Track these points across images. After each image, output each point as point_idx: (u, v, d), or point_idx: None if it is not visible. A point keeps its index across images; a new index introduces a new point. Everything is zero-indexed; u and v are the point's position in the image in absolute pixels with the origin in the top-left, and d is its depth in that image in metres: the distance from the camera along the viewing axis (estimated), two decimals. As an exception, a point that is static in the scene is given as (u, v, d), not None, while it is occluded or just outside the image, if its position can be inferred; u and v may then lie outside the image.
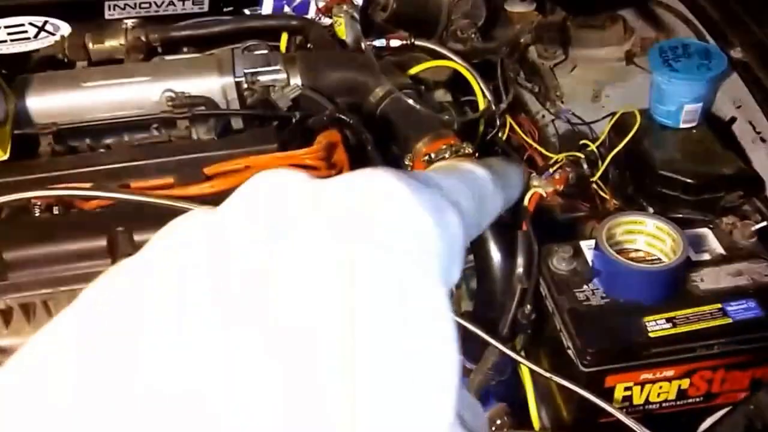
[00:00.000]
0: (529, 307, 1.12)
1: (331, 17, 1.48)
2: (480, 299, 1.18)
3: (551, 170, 1.29)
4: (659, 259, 1.11)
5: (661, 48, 1.43)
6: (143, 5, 1.43)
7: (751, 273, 1.11)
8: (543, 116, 1.67)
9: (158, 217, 1.01)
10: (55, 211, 1.06)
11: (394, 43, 1.45)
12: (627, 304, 1.06)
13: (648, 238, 1.13)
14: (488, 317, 1.11)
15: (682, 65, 1.38)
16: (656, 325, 1.03)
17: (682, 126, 1.40)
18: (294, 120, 1.24)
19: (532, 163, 1.48)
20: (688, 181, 1.29)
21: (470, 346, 1.13)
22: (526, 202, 1.19)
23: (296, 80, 1.30)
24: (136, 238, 1.02)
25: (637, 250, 1.14)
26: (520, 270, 1.11)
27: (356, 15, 1.46)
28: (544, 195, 1.21)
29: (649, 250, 1.13)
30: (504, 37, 1.69)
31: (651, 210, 1.31)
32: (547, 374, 1.03)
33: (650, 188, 1.33)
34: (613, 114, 1.45)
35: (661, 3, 1.72)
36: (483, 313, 1.14)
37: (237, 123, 1.28)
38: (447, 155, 1.18)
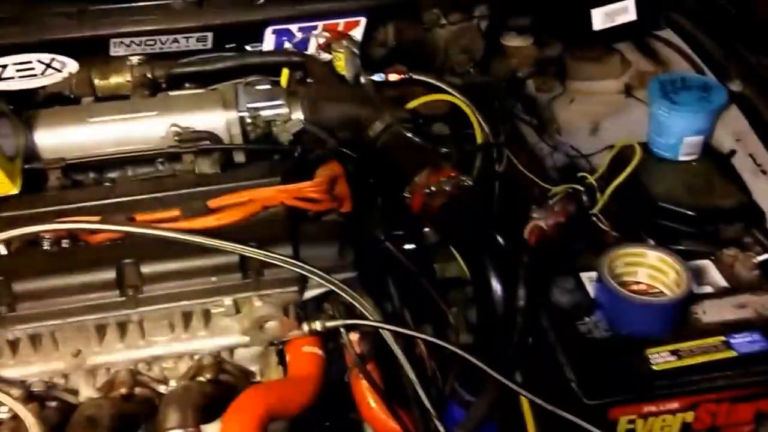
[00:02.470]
0: (530, 339, 1.11)
1: (330, 53, 1.50)
2: (480, 331, 1.18)
3: (551, 202, 1.30)
4: (661, 291, 1.11)
5: (660, 81, 1.45)
6: (148, 42, 1.44)
7: (754, 305, 1.11)
8: (541, 149, 1.68)
9: (165, 249, 1.03)
10: (64, 243, 1.07)
11: (393, 77, 1.46)
12: (630, 336, 1.07)
13: (650, 270, 1.13)
14: (489, 349, 1.10)
15: (682, 98, 1.40)
16: (660, 358, 1.04)
17: (681, 158, 1.41)
18: (296, 154, 1.25)
19: (530, 195, 1.49)
20: (689, 213, 1.30)
21: (471, 379, 1.13)
22: (526, 234, 1.19)
23: (297, 114, 1.31)
24: (143, 270, 1.03)
25: (638, 282, 1.14)
26: (521, 302, 1.11)
27: (356, 50, 1.47)
28: (545, 227, 1.21)
29: (650, 282, 1.13)
30: (501, 70, 1.70)
31: (651, 242, 1.31)
32: (550, 407, 1.02)
33: (650, 220, 1.34)
34: (611, 146, 1.46)
35: (658, 36, 1.75)
36: (484, 345, 1.14)
37: (239, 156, 1.28)
38: (447, 187, 1.18)
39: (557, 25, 1.76)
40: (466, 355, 1.04)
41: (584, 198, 1.39)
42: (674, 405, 1.04)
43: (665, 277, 1.11)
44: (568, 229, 1.33)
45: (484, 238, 1.15)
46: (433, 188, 1.19)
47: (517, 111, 1.68)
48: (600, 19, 1.69)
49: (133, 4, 1.45)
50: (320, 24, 1.53)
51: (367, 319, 1.06)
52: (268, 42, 1.54)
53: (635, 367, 1.04)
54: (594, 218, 1.39)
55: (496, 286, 1.11)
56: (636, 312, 1.06)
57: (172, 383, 1.07)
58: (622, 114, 1.69)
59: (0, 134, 1.13)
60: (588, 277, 1.18)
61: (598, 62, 1.76)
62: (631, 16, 1.68)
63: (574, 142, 1.64)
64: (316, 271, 1.03)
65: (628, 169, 1.36)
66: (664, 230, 1.32)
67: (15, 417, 0.99)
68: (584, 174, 1.44)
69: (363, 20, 1.55)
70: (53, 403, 1.04)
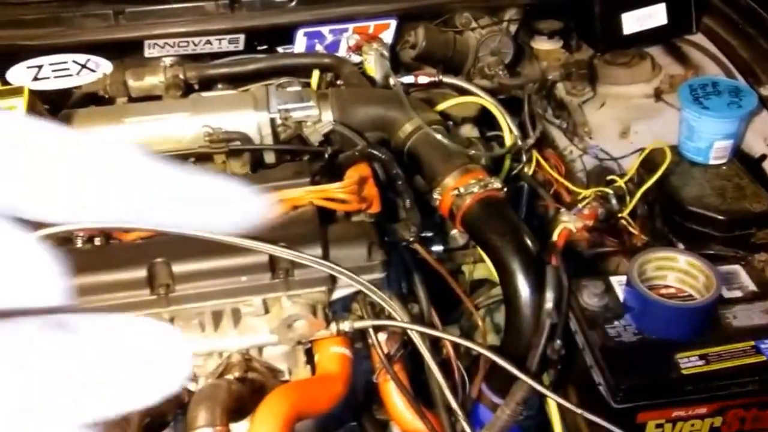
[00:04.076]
0: (559, 342, 1.11)
1: (361, 55, 1.51)
2: (508, 333, 1.18)
3: (580, 206, 1.29)
4: (691, 295, 1.11)
5: (690, 85, 1.44)
6: (181, 44, 1.47)
7: (784, 311, 1.10)
8: (571, 152, 1.67)
9: (196, 248, 1.05)
10: (97, 241, 1.09)
11: (423, 79, 1.47)
12: (659, 340, 1.06)
13: (679, 274, 1.13)
14: (517, 351, 1.10)
15: (713, 102, 1.39)
16: (689, 362, 1.03)
17: (712, 162, 1.40)
18: (326, 155, 1.26)
19: (558, 198, 1.49)
20: (719, 217, 1.29)
21: (498, 380, 1.13)
22: (555, 237, 1.19)
23: (327, 116, 1.32)
24: (175, 269, 1.04)
25: (667, 287, 1.13)
26: (549, 305, 1.11)
27: (386, 53, 1.48)
28: (574, 230, 1.21)
29: (680, 286, 1.12)
30: (530, 73, 1.70)
31: (681, 246, 1.30)
32: (578, 410, 1.02)
33: (679, 224, 1.33)
34: (641, 150, 1.45)
35: (688, 41, 1.74)
36: (511, 348, 1.14)
37: (269, 157, 1.30)
38: (475, 189, 1.19)
39: (588, 29, 1.76)
40: (494, 357, 1.05)
41: (614, 201, 1.39)
42: (703, 410, 1.03)
43: (695, 281, 1.10)
44: (596, 232, 1.33)
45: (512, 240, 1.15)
46: (462, 189, 1.20)
47: (548, 114, 1.68)
48: (631, 23, 1.69)
49: (168, 6, 1.48)
50: (351, 26, 1.55)
51: (395, 320, 1.06)
52: (299, 44, 1.56)
53: (664, 372, 1.03)
54: (623, 222, 1.39)
55: (524, 288, 1.11)
56: (665, 315, 1.06)
57: (201, 381, 1.08)
58: (653, 118, 1.68)
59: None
60: (617, 281, 1.17)
61: (629, 66, 1.76)
62: (662, 20, 1.68)
63: (604, 146, 1.63)
64: (344, 271, 1.04)
65: (658, 173, 1.35)
66: (694, 234, 1.31)
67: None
68: (614, 177, 1.44)
69: (393, 23, 1.56)
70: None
